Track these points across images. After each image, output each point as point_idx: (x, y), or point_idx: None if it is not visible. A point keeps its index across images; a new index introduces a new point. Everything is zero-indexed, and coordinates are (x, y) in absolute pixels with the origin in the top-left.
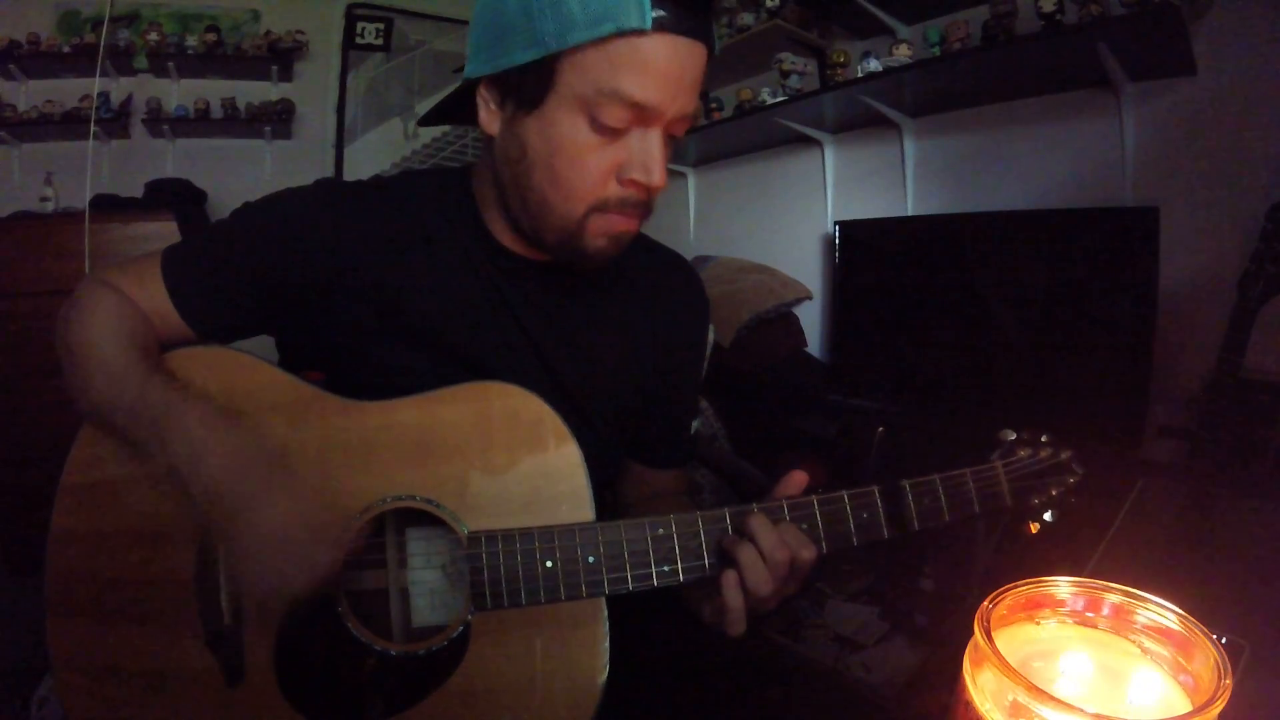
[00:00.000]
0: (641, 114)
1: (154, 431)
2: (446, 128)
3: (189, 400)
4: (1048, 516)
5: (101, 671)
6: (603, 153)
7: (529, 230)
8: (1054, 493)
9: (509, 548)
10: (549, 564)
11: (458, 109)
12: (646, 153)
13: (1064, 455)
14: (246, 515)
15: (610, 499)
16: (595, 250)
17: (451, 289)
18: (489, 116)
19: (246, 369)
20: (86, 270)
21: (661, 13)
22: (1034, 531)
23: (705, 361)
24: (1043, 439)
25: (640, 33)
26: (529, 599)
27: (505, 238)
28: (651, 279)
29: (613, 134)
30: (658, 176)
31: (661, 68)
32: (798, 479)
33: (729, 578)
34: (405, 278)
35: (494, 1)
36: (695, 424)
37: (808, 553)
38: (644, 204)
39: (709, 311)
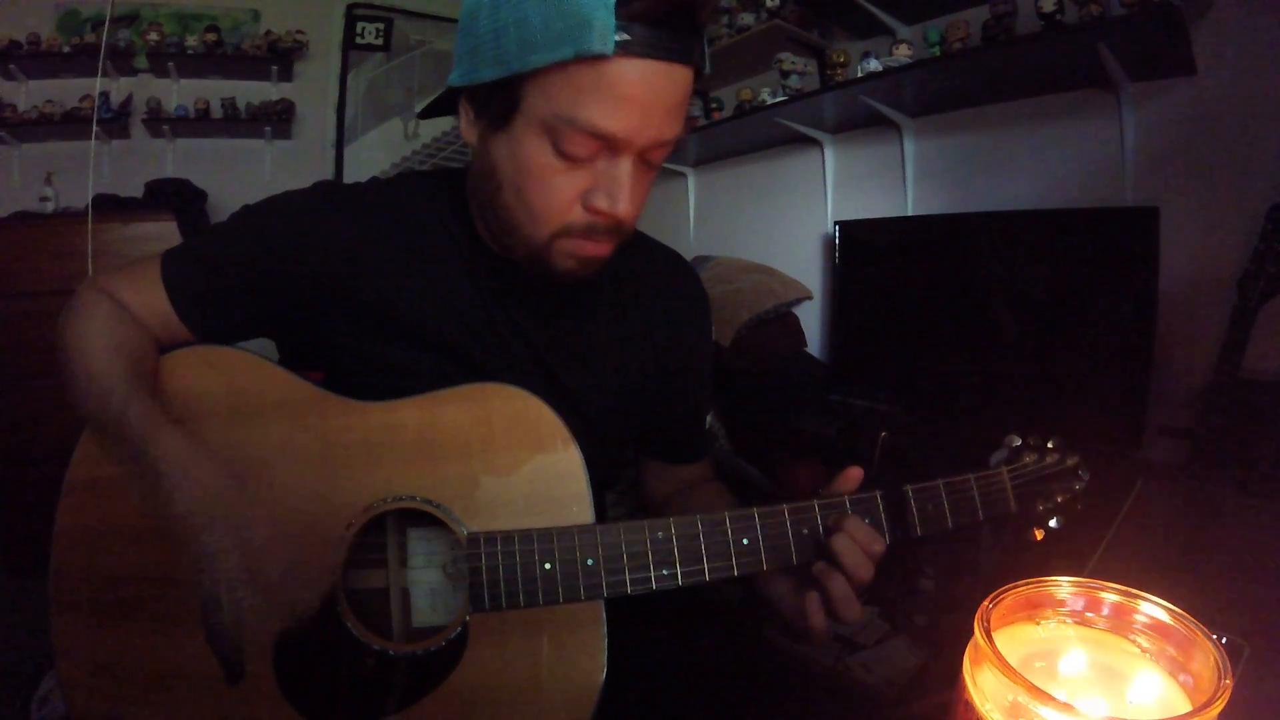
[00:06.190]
0: (607, 143)
1: (133, 453)
2: (447, 127)
3: (164, 429)
4: (1053, 523)
5: (103, 668)
6: (568, 177)
7: (502, 244)
8: (1060, 499)
9: (508, 549)
10: (548, 566)
11: (452, 106)
12: (613, 181)
13: (1070, 461)
14: (210, 560)
15: (612, 500)
16: (563, 270)
17: (447, 291)
18: (468, 126)
19: (250, 368)
20: (89, 270)
21: (627, 36)
22: (1039, 539)
23: (710, 356)
24: (1049, 444)
25: (604, 57)
26: (528, 601)
27: (493, 243)
28: (648, 279)
29: (578, 160)
30: (624, 207)
31: (628, 95)
32: (854, 474)
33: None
34: (403, 280)
35: (470, 14)
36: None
37: (878, 546)
38: (613, 230)
39: (709, 307)
